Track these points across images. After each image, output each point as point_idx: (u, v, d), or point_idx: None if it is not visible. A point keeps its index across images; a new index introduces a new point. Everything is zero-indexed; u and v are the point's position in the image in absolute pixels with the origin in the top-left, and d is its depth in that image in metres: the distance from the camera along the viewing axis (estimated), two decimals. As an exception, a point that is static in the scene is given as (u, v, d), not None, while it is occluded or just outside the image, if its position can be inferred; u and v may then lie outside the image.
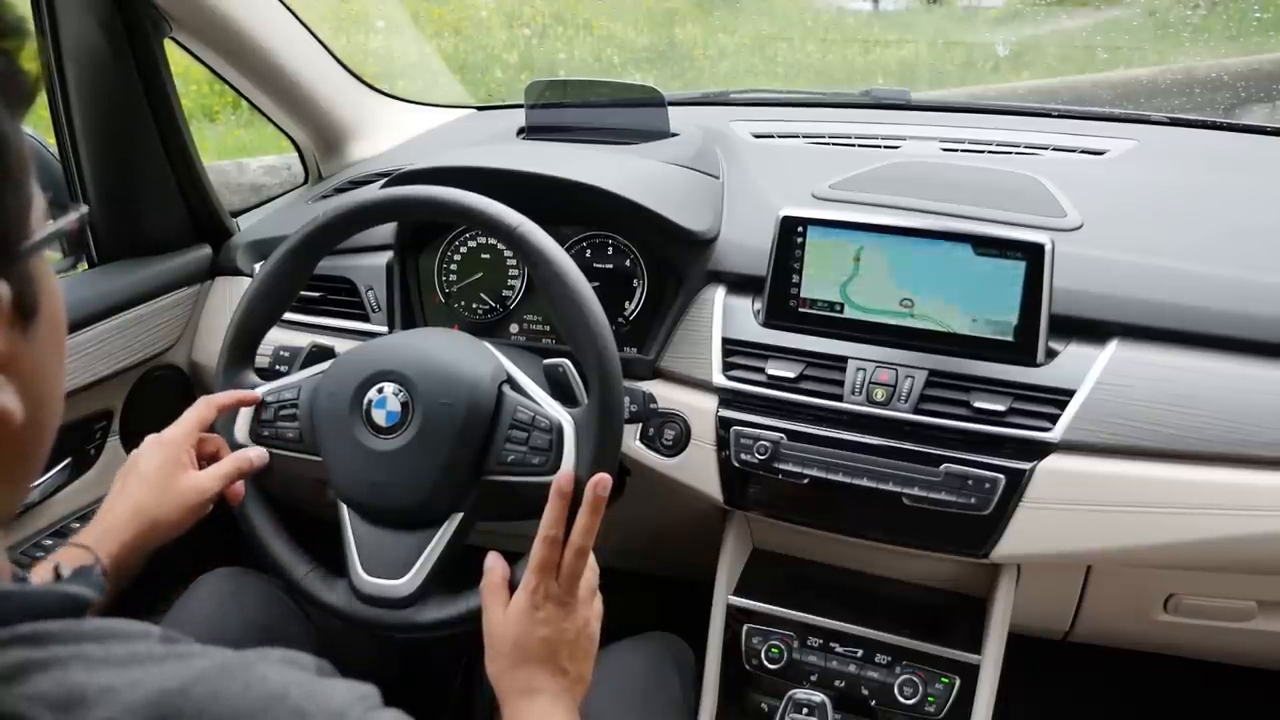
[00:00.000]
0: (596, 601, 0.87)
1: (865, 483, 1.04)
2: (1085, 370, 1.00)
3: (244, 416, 1.01)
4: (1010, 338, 1.01)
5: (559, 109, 1.46)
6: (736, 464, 1.08)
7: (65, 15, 1.19)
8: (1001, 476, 0.99)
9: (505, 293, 1.27)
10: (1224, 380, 0.98)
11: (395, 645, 1.29)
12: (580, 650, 0.84)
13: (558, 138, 1.44)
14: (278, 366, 1.08)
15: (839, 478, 1.05)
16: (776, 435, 1.07)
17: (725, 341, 1.13)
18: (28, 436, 0.46)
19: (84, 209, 0.52)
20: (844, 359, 1.07)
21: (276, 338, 1.09)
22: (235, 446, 1.01)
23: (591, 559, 0.86)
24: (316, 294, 1.29)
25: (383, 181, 1.23)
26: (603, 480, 0.82)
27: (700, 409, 1.12)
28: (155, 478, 0.89)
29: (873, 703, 1.09)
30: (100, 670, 0.43)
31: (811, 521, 1.11)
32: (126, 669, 0.44)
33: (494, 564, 0.87)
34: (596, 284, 0.99)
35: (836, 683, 1.10)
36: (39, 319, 0.46)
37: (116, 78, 1.25)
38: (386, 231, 1.27)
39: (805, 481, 1.06)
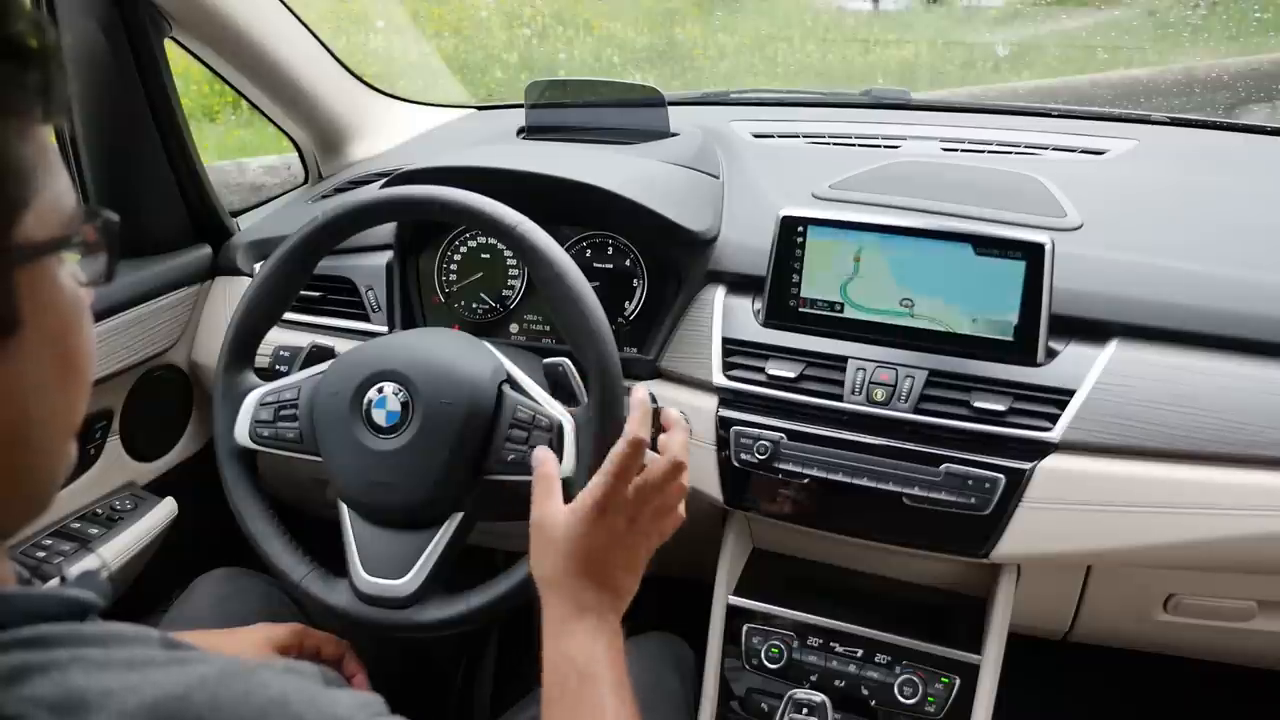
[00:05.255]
0: (674, 516, 0.85)
1: (865, 483, 1.04)
2: (1085, 370, 1.00)
3: (244, 416, 1.01)
4: (1010, 338, 1.01)
5: (559, 109, 1.46)
6: (736, 464, 1.08)
7: (65, 15, 1.19)
8: (1001, 476, 0.99)
9: (505, 293, 1.27)
10: (1224, 380, 0.98)
11: (396, 645, 1.29)
12: (636, 561, 0.82)
13: (558, 138, 1.44)
14: (278, 366, 1.08)
15: (839, 478, 1.05)
16: (776, 435, 1.07)
17: (725, 341, 1.13)
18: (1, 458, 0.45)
19: (111, 216, 0.49)
20: (844, 359, 1.07)
21: (276, 338, 1.09)
22: (234, 447, 1.01)
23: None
24: (316, 294, 1.29)
25: (383, 181, 1.23)
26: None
27: (700, 409, 1.12)
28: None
29: (873, 703, 1.09)
30: (100, 674, 0.43)
31: (811, 521, 1.11)
32: (127, 673, 0.44)
33: (546, 455, 0.87)
34: (596, 284, 0.99)
35: (836, 683, 1.10)
36: (24, 335, 0.44)
37: (116, 78, 1.25)
38: (386, 231, 1.27)
39: (805, 481, 1.06)
